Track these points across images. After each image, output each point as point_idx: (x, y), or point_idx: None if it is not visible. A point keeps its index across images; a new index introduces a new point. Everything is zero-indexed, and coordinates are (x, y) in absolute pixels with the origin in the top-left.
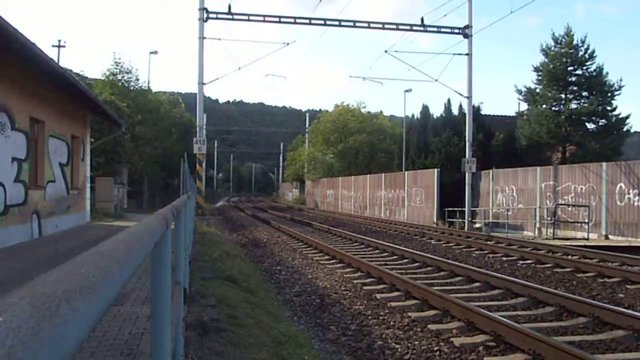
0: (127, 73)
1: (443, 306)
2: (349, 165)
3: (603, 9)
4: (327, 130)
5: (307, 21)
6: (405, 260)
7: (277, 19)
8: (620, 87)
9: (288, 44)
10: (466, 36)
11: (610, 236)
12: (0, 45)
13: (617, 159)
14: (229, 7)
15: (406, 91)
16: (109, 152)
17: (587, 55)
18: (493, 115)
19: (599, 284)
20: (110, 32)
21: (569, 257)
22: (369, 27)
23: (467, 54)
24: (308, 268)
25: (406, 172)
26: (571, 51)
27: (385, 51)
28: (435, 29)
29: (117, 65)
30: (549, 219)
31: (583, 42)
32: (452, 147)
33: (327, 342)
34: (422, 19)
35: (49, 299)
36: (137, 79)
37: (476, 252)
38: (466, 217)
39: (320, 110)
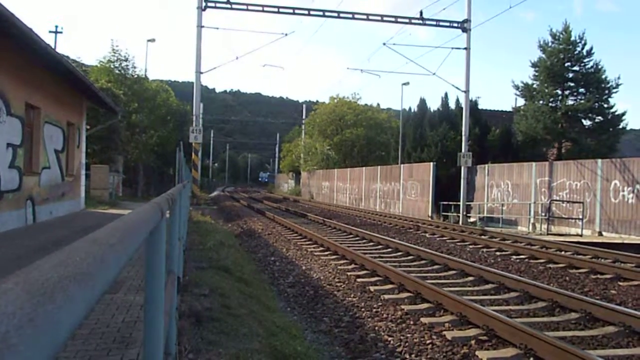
0: (124, 61)
1: (436, 299)
2: (345, 158)
3: (601, 6)
4: (323, 122)
5: (306, 12)
6: (399, 253)
7: (275, 9)
8: (617, 85)
9: (286, 34)
10: (465, 30)
11: (603, 233)
12: None
13: (613, 156)
14: None
15: (404, 84)
16: (104, 139)
17: (584, 52)
18: (490, 110)
19: (591, 280)
20: (107, 19)
21: (563, 252)
22: (367, 19)
23: (465, 48)
24: (302, 259)
25: (402, 165)
26: (569, 47)
27: (384, 44)
28: (434, 23)
29: (115, 53)
30: (543, 214)
31: (581, 38)
32: (449, 141)
33: (320, 334)
34: (421, 12)
35: (44, 285)
36: (134, 67)
37: (470, 246)
38: (461, 211)
39: (317, 101)
